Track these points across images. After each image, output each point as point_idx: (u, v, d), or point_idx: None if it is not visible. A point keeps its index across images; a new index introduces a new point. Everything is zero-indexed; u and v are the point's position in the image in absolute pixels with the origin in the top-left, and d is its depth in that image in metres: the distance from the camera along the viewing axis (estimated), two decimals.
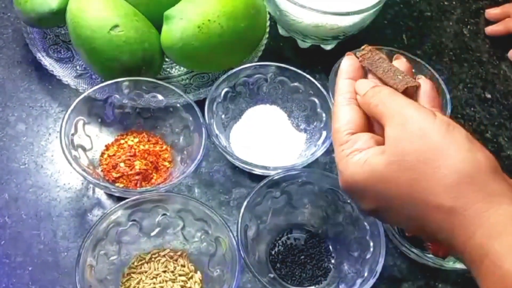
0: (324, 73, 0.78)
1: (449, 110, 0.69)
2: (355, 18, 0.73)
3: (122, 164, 0.65)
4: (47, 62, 0.71)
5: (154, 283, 0.59)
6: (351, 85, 0.50)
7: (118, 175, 0.65)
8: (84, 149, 0.65)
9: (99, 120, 0.67)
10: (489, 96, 0.82)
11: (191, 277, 0.60)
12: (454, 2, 0.92)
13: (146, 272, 0.60)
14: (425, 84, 0.50)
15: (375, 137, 0.47)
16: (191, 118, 0.66)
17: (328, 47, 0.81)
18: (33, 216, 0.64)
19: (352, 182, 0.46)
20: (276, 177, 0.61)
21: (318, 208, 0.65)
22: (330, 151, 0.67)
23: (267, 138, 0.70)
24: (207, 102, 0.66)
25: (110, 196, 0.66)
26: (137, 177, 0.65)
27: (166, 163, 0.68)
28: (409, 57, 0.73)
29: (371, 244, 0.60)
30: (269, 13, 0.78)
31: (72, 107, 0.63)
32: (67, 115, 0.62)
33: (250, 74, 0.71)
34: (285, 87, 0.72)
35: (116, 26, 0.65)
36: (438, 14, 0.90)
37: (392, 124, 0.45)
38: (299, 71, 0.70)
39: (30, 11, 0.69)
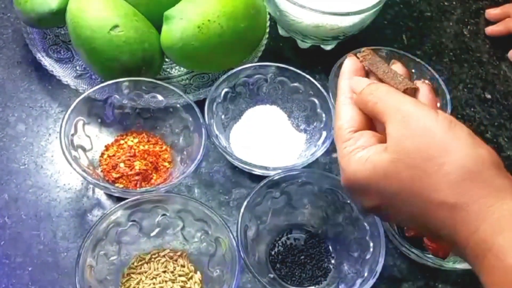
0: (324, 73, 0.78)
1: (449, 111, 0.69)
2: (355, 19, 0.73)
3: (122, 165, 0.65)
4: (47, 62, 0.71)
5: (154, 284, 0.59)
6: None
7: (118, 175, 0.65)
8: (84, 150, 0.65)
9: (99, 120, 0.67)
10: (489, 96, 0.82)
11: (191, 278, 0.60)
12: (454, 2, 0.92)
13: (146, 272, 0.60)
14: (423, 87, 0.50)
15: (377, 135, 0.47)
16: (191, 119, 0.66)
17: (328, 48, 0.81)
18: (33, 217, 0.64)
19: (354, 179, 0.46)
20: (276, 178, 0.61)
21: (318, 208, 0.65)
22: (330, 151, 0.67)
23: (267, 139, 0.70)
24: (207, 103, 0.66)
25: (110, 196, 0.66)
26: (137, 178, 0.65)
27: (166, 164, 0.67)
28: (409, 57, 0.73)
29: (371, 244, 0.60)
30: (269, 13, 0.78)
31: (72, 107, 0.63)
32: (67, 116, 0.62)
33: (250, 75, 0.71)
34: (285, 87, 0.72)
35: (116, 26, 0.65)
36: (438, 14, 0.90)
37: (393, 121, 0.45)
38: (299, 71, 0.70)
39: (30, 11, 0.69)
